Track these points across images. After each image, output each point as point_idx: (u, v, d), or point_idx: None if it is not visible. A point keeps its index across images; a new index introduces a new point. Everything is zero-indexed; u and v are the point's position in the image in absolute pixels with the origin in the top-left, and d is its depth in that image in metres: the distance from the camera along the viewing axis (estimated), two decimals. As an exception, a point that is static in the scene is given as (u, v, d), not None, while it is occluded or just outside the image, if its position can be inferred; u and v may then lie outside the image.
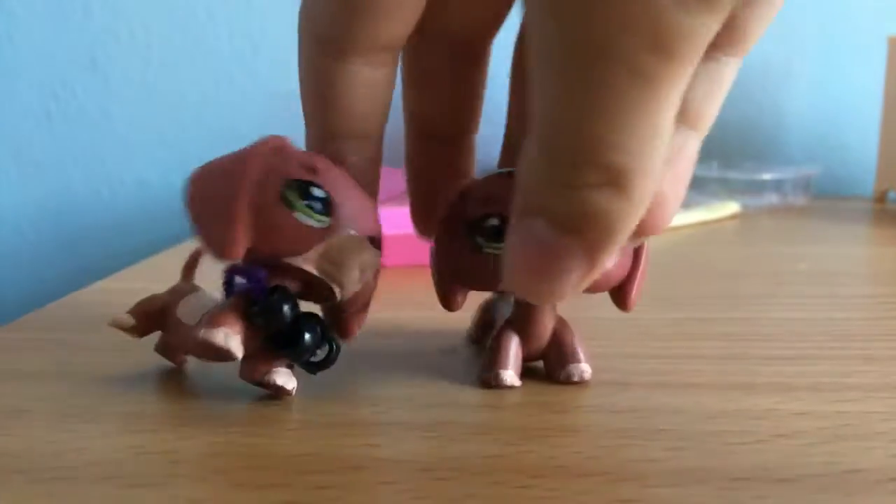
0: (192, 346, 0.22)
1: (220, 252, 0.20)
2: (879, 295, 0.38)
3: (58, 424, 0.21)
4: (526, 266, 0.16)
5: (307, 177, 0.21)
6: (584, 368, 0.24)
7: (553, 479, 0.18)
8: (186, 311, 0.24)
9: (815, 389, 0.24)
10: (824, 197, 0.76)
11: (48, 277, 0.82)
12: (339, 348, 0.23)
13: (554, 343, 0.24)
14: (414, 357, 0.27)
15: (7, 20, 0.79)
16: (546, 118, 0.15)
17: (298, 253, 0.21)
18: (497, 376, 0.24)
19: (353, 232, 0.21)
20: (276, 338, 0.22)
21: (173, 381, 0.25)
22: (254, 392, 0.23)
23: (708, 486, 0.18)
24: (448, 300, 0.24)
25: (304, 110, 0.23)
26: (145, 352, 0.26)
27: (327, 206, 0.21)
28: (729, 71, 0.18)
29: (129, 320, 0.25)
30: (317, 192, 0.21)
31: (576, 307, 0.24)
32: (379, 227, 0.23)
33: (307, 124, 0.23)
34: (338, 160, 0.22)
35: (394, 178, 0.73)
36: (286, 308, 0.21)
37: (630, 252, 0.23)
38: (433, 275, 0.24)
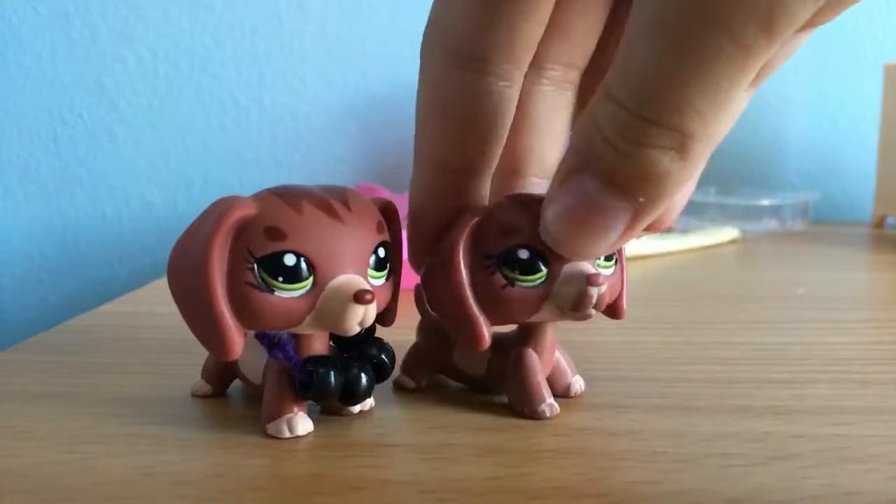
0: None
1: (220, 357, 0.21)
2: (877, 319, 0.39)
3: (63, 445, 0.21)
4: (570, 220, 0.17)
5: (275, 246, 0.20)
6: (579, 382, 0.25)
7: (553, 500, 0.18)
8: (247, 366, 0.24)
9: (813, 413, 0.24)
10: (823, 223, 0.77)
11: (53, 299, 0.82)
12: (393, 360, 0.23)
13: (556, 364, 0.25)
14: (415, 380, 0.27)
15: (15, 46, 0.80)
16: (635, 74, 0.15)
17: (294, 325, 0.21)
18: (552, 407, 0.23)
19: (341, 276, 0.20)
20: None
21: (177, 404, 0.25)
22: (254, 416, 0.23)
23: (706, 509, 0.18)
24: (481, 337, 0.22)
25: (429, 136, 0.21)
26: (150, 375, 0.26)
27: (304, 269, 0.20)
28: (744, 103, 0.19)
29: (205, 387, 0.26)
30: (288, 259, 0.20)
31: (572, 331, 0.24)
32: (381, 234, 0.22)
33: (425, 152, 0.22)
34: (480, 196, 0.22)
35: (405, 200, 0.73)
36: (332, 380, 0.21)
37: (620, 271, 0.24)
38: (448, 313, 0.23)
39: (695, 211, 0.75)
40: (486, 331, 0.22)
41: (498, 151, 0.22)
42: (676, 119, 0.15)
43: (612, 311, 0.24)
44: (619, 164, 0.16)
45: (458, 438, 0.22)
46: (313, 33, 0.84)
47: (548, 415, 0.23)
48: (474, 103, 0.21)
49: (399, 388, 0.26)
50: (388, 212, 0.23)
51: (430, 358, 0.27)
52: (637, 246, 0.56)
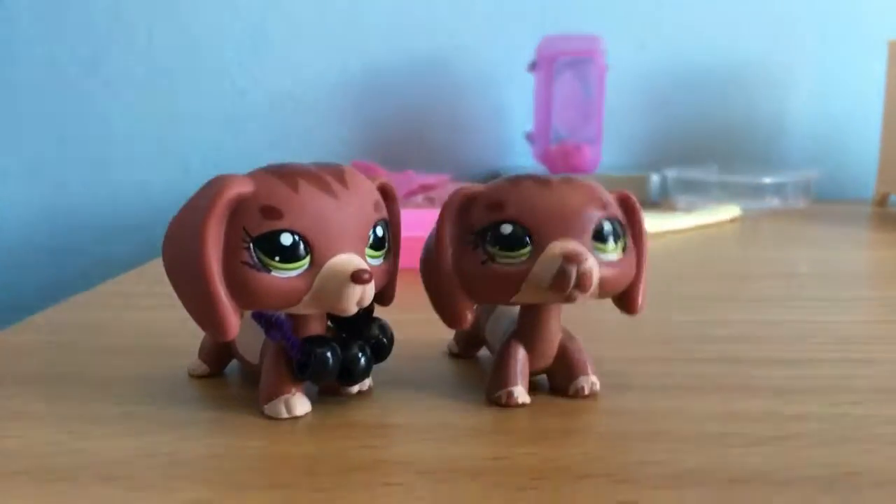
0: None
1: (216, 338, 0.20)
2: (880, 297, 0.38)
3: (58, 426, 0.21)
4: None
5: (272, 225, 0.19)
6: (594, 380, 0.24)
7: (555, 480, 0.18)
8: (245, 346, 0.24)
9: (815, 392, 0.24)
10: (825, 201, 0.76)
11: (48, 279, 0.82)
12: (391, 339, 0.23)
13: (560, 356, 0.24)
14: (414, 360, 0.27)
15: (10, 27, 0.79)
16: None
17: (291, 305, 0.20)
18: (510, 395, 0.22)
19: (338, 256, 0.20)
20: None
21: (173, 385, 0.25)
22: (252, 396, 0.23)
23: (707, 488, 0.18)
24: (457, 317, 0.22)
25: None
26: (146, 355, 0.26)
27: (301, 248, 0.20)
28: None
29: (202, 367, 0.26)
30: (285, 238, 0.19)
31: (576, 311, 0.24)
32: (379, 213, 0.21)
33: None
34: None
35: (402, 179, 0.73)
36: (329, 360, 0.21)
37: (633, 257, 0.23)
38: (432, 290, 0.23)
39: (697, 189, 0.75)
40: (467, 310, 0.22)
41: None
42: None
43: (624, 302, 0.23)
44: None
45: (458, 419, 0.22)
46: (310, 10, 0.83)
47: (503, 402, 0.22)
48: None
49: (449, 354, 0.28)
50: (385, 192, 0.23)
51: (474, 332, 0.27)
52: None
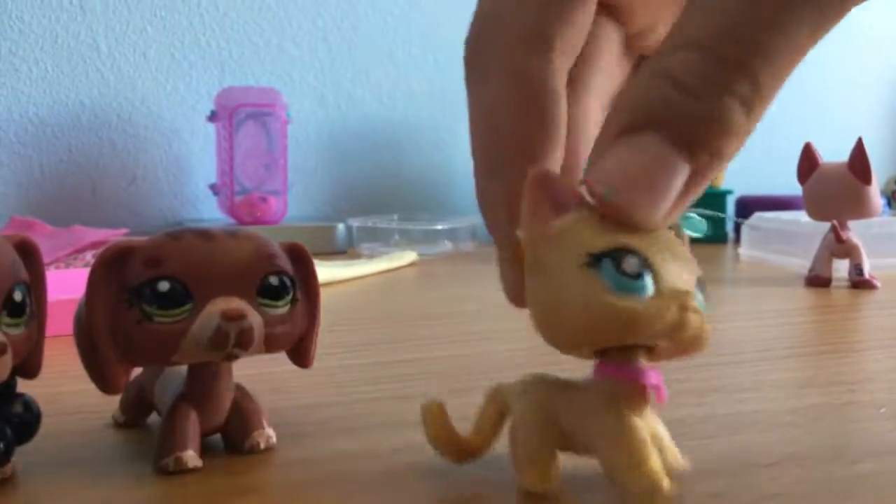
0: None
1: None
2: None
3: None
4: (631, 180, 0.16)
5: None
6: (270, 433, 0.23)
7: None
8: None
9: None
10: (489, 243, 0.85)
11: None
12: (38, 416, 0.21)
13: (233, 412, 0.23)
14: (73, 435, 0.24)
15: None
16: (715, 19, 0.16)
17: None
18: (178, 460, 0.21)
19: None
20: None
21: None
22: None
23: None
24: (110, 381, 0.21)
25: (493, 128, 0.20)
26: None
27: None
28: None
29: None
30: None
31: (256, 364, 0.24)
32: (15, 276, 0.19)
33: (490, 144, 0.20)
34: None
35: (68, 235, 0.66)
36: None
37: (304, 309, 0.23)
38: (84, 353, 0.21)
39: (379, 237, 0.79)
40: (122, 373, 0.21)
41: (562, 135, 0.20)
42: (757, 62, 0.15)
43: (297, 355, 0.24)
44: (689, 115, 0.16)
45: (122, 493, 0.20)
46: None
47: (171, 468, 0.21)
48: (541, 86, 0.19)
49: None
50: (26, 251, 0.21)
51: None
52: (321, 273, 0.57)
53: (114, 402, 0.25)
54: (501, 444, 0.21)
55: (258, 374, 0.26)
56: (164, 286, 0.20)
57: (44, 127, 0.84)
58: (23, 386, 0.21)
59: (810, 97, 1.14)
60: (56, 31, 0.83)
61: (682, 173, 0.16)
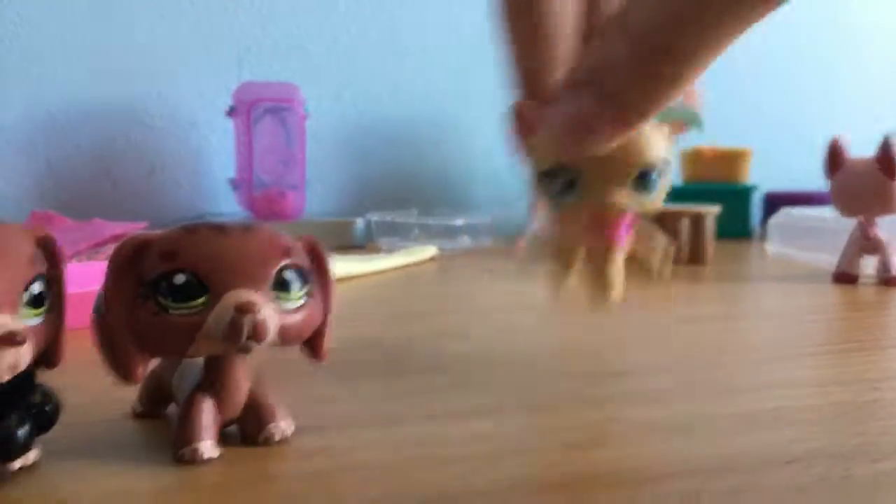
0: None
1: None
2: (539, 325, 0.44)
3: None
4: (565, 124, 0.21)
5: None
6: (284, 426, 0.23)
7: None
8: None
9: (500, 412, 0.26)
10: (508, 238, 0.85)
11: None
12: (57, 406, 0.21)
13: (250, 404, 0.23)
14: (92, 425, 0.25)
15: None
16: (643, 22, 0.18)
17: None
18: (195, 451, 0.21)
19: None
20: None
21: None
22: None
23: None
24: (128, 372, 0.21)
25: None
26: None
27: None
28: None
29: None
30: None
31: (272, 353, 0.24)
32: (35, 267, 0.20)
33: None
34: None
35: (88, 228, 0.67)
36: None
37: (319, 303, 0.23)
38: (102, 345, 0.21)
39: (399, 232, 0.79)
40: (139, 364, 0.21)
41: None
42: (675, 62, 0.18)
43: (310, 348, 0.24)
44: (621, 84, 0.19)
45: (141, 483, 0.20)
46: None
47: (187, 458, 0.21)
48: None
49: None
50: (46, 245, 0.21)
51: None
52: (341, 268, 0.57)
53: (133, 392, 0.25)
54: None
55: (280, 362, 0.26)
56: (179, 279, 0.20)
57: (70, 122, 0.85)
58: (44, 376, 0.21)
59: (837, 92, 1.12)
60: (75, 26, 0.84)
61: (606, 122, 0.20)
